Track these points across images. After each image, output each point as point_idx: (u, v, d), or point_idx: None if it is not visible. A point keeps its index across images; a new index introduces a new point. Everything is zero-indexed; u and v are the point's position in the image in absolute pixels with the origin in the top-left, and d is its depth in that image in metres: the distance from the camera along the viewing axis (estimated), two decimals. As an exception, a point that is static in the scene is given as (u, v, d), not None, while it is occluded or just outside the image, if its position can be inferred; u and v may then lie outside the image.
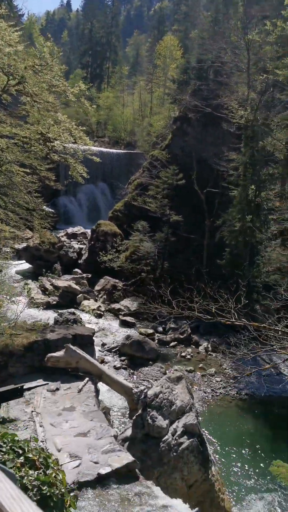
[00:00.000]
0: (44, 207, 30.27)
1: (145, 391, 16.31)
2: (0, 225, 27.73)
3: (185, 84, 40.54)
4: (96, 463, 11.50)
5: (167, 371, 25.58)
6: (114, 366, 25.53)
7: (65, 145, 19.90)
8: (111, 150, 64.49)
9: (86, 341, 16.68)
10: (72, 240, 45.76)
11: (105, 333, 29.65)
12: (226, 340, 29.31)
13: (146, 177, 41.40)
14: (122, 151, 66.02)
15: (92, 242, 39.42)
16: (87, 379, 15.43)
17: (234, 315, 8.36)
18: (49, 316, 28.07)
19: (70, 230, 47.40)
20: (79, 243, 44.81)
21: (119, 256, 37.68)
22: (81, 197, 57.61)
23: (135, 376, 24.78)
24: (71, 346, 15.63)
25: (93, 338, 17.07)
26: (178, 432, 15.77)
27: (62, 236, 45.24)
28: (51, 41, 20.22)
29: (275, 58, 30.95)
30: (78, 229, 48.29)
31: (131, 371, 25.46)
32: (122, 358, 26.44)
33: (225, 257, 31.07)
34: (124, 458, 11.77)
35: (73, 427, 12.76)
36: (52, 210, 46.83)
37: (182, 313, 9.75)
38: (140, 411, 15.96)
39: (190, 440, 15.60)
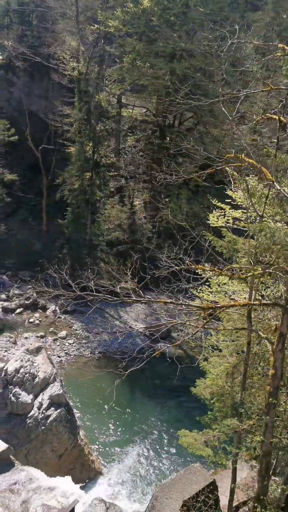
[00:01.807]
0: None
1: (4, 368, 15.26)
2: None
3: (7, 28, 36.97)
4: None
5: (16, 340, 24.54)
6: None
7: None
8: None
9: None
10: None
11: None
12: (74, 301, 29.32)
13: None
14: None
15: None
16: None
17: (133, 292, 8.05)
18: None
19: None
20: None
21: None
22: None
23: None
24: None
25: None
26: (45, 405, 15.24)
27: None
28: None
29: (105, 8, 29.97)
30: None
31: (-23, 345, 23.68)
32: None
33: (67, 216, 30.31)
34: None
35: None
36: None
37: (82, 296, 8.98)
38: (0, 390, 14.93)
39: (58, 410, 15.23)
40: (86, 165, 29.95)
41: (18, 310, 27.82)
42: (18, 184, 33.58)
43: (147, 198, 34.49)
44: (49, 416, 14.94)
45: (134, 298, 8.54)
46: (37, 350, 16.79)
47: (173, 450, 17.59)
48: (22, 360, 15.91)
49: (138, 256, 17.88)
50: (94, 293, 8.96)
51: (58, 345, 24.56)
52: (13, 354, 23.12)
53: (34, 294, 29.05)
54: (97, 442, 17.97)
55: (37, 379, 15.61)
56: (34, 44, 35.01)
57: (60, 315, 27.99)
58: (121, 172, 35.43)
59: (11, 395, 14.80)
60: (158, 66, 28.61)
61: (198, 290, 10.91)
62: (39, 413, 14.89)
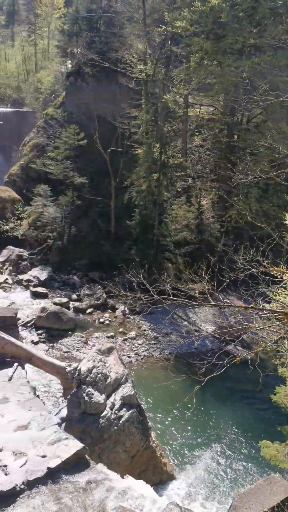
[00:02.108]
0: None
1: (78, 367, 15.57)
2: None
3: (76, 36, 37.99)
4: (43, 456, 10.63)
5: (88, 340, 25.05)
6: (32, 341, 24.29)
7: None
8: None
9: (8, 324, 15.31)
10: None
11: (16, 307, 27.99)
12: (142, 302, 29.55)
13: (42, 137, 38.90)
14: (9, 109, 61.37)
15: (-10, 210, 36.56)
16: (16, 364, 14.23)
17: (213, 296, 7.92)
18: None
19: None
20: (-27, 212, 41.45)
21: (21, 224, 35.54)
22: None
23: (55, 350, 23.83)
24: (-6, 331, 14.25)
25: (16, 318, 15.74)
26: (117, 406, 15.38)
27: None
28: None
29: (172, 9, 29.94)
30: None
31: (51, 344, 24.45)
32: (39, 331, 25.25)
33: (135, 217, 30.61)
34: (72, 446, 11.04)
35: (10, 420, 11.66)
36: None
37: (160, 300, 8.98)
38: (75, 389, 15.25)
39: (130, 411, 15.31)
40: (153, 166, 30.09)
41: (88, 310, 28.42)
42: (87, 187, 34.37)
43: (214, 198, 34.06)
44: (121, 416, 15.05)
45: (213, 303, 8.36)
46: (109, 351, 16.98)
47: (248, 457, 17.14)
48: (94, 360, 16.14)
49: (210, 257, 17.56)
50: (172, 297, 8.87)
51: (128, 346, 24.79)
52: (85, 353, 23.67)
53: (104, 295, 29.55)
54: (168, 445, 17.91)
55: (109, 380, 15.79)
56: (102, 50, 35.75)
57: (129, 316, 28.28)
58: (188, 172, 35.25)
59: (85, 394, 15.05)
60: (226, 64, 28.11)
61: (275, 293, 10.53)
62: (111, 413, 15.05)
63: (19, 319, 20.48)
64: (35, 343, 24.13)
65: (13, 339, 14.54)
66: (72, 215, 33.92)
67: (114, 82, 37.34)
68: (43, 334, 25.07)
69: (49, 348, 23.92)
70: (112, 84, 37.90)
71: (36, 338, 24.60)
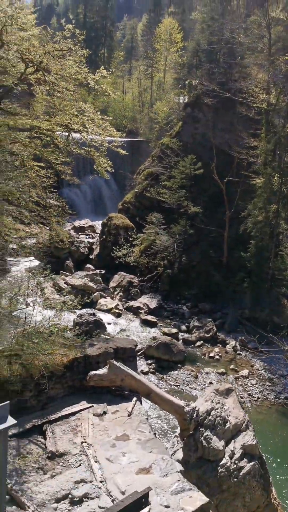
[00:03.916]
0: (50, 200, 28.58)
1: (196, 408, 14.81)
2: (13, 223, 26.01)
3: (196, 68, 38.47)
4: (167, 507, 10.02)
5: (198, 375, 24.25)
6: (142, 370, 24.04)
7: (93, 136, 18.10)
8: (113, 138, 62.05)
9: (128, 355, 15.12)
10: (80, 233, 44.06)
11: (126, 334, 28.12)
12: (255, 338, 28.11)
13: (156, 166, 39.54)
14: (125, 139, 63.84)
15: (104, 236, 37.70)
16: (135, 399, 13.90)
17: None
18: (67, 317, 26.52)
19: (77, 223, 45.63)
20: (88, 237, 43.13)
21: (133, 251, 36.07)
22: (85, 188, 55.59)
23: (165, 382, 23.34)
24: (115, 362, 14.05)
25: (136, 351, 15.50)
26: (237, 455, 14.32)
27: (69, 230, 43.44)
28: (73, 24, 18.25)
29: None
30: (86, 222, 46.57)
31: (160, 375, 24.04)
32: (149, 361, 25.01)
33: (250, 249, 29.50)
34: (197, 499, 10.30)
35: (132, 461, 11.23)
36: (57, 203, 44.90)
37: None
38: (192, 431, 14.50)
39: (251, 463, 14.15)
40: (273, 198, 28.92)
41: (198, 343, 27.68)
42: (200, 216, 34.03)
43: None
44: (242, 468, 13.96)
45: None
46: (227, 392, 16.04)
47: None
48: (212, 401, 15.29)
49: None
50: None
51: (240, 385, 23.55)
52: (195, 389, 22.92)
53: (214, 328, 28.65)
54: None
55: (228, 424, 14.82)
56: (221, 80, 35.73)
57: (240, 352, 27.02)
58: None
59: (202, 438, 14.23)
60: None
61: None
62: (231, 462, 14.02)
63: (138, 351, 20.36)
64: (145, 373, 23.86)
65: (132, 372, 14.24)
66: (184, 243, 33.69)
67: (232, 112, 36.99)
68: (153, 364, 24.77)
69: (159, 379, 23.51)
70: (229, 114, 37.59)
71: (146, 368, 24.35)
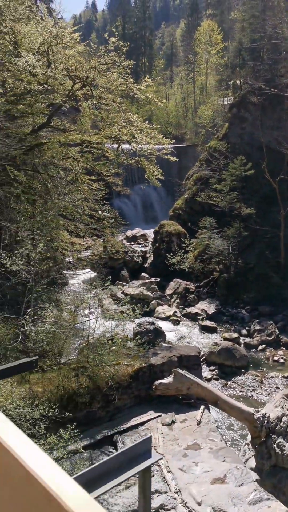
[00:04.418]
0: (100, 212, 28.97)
1: (267, 415, 14.40)
2: (69, 237, 26.54)
3: (239, 68, 37.98)
4: (245, 518, 9.76)
5: (263, 379, 23.62)
6: (205, 377, 23.66)
7: (142, 146, 18.20)
8: (162, 146, 62.41)
9: (192, 362, 14.98)
10: (133, 243, 44.39)
11: (186, 340, 27.90)
12: None
13: (205, 170, 39.25)
14: (171, 145, 63.99)
15: (157, 244, 37.76)
16: (202, 407, 13.72)
17: None
18: (127, 327, 26.68)
19: (129, 233, 45.99)
20: (141, 246, 43.38)
21: (187, 257, 35.86)
22: (134, 197, 56.04)
23: (229, 388, 22.88)
24: (180, 371, 13.96)
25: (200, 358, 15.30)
26: (313, 462, 13.79)
27: (122, 240, 43.87)
28: (116, 36, 18.55)
29: None
30: (137, 231, 46.86)
31: (224, 381, 23.57)
32: (211, 368, 24.57)
33: (309, 248, 28.59)
34: (277, 508, 9.96)
35: (205, 471, 11.05)
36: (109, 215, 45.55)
37: None
38: (263, 439, 14.09)
39: None
40: None
41: (260, 347, 26.98)
42: (254, 217, 33.35)
43: None
44: None
45: None
46: (297, 397, 15.50)
47: None
48: (282, 407, 14.81)
49: None
50: None
51: (308, 388, 22.66)
52: (261, 394, 22.35)
53: (276, 330, 27.86)
54: None
55: (301, 430, 14.30)
56: (267, 77, 35.06)
57: (306, 355, 26.09)
58: None
59: (275, 445, 13.79)
60: None
61: None
62: (307, 470, 13.50)
63: (202, 357, 20.11)
64: (208, 380, 23.49)
65: (198, 380, 14.10)
66: (239, 246, 33.11)
67: (280, 108, 36.17)
68: (216, 370, 24.34)
69: (223, 386, 23.05)
70: (277, 111, 36.79)
71: (208, 375, 23.96)
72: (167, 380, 13.93)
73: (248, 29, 38.44)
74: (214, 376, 23.97)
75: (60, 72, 18.29)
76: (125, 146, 19.74)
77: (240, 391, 22.60)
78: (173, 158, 19.86)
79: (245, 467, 11.65)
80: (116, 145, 19.18)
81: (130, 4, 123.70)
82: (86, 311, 19.40)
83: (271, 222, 33.55)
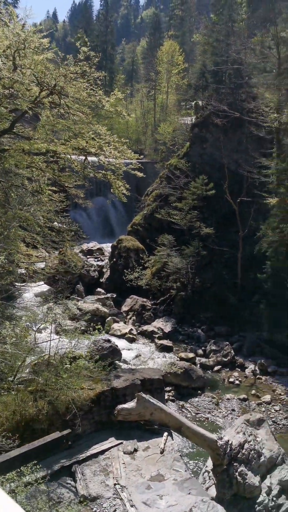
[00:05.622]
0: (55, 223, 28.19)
1: (229, 442, 14.04)
2: (26, 249, 25.55)
3: (202, 89, 38.51)
4: None
5: (219, 402, 23.41)
6: (161, 398, 23.19)
7: (111, 160, 17.72)
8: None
9: (156, 386, 14.47)
10: (89, 257, 43.56)
11: (142, 359, 27.34)
12: (274, 362, 27.29)
13: (165, 187, 39.24)
14: (129, 160, 63.92)
15: (114, 259, 37.16)
16: (166, 434, 13.17)
17: None
18: (80, 345, 25.79)
19: (85, 246, 45.16)
20: (97, 260, 42.64)
21: (145, 273, 35.48)
22: (91, 210, 55.26)
23: (185, 410, 22.47)
24: (144, 395, 13.38)
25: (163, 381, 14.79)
26: (274, 492, 13.49)
27: (78, 253, 42.93)
28: (87, 46, 18.12)
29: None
30: (93, 245, 46.12)
31: (180, 403, 23.17)
32: (167, 388, 24.03)
33: (266, 270, 28.89)
34: None
35: (171, 505, 10.47)
36: (69, 228, 44.56)
37: None
38: (225, 466, 13.69)
39: (291, 500, 13.37)
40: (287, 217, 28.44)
41: (216, 368, 26.86)
42: (213, 237, 33.52)
43: None
44: (280, 505, 13.13)
45: None
46: (259, 422, 15.28)
47: None
48: (244, 433, 14.51)
49: None
50: None
51: (263, 411, 22.63)
52: (217, 416, 22.10)
53: (232, 352, 27.86)
54: None
55: (262, 458, 14.02)
56: (229, 101, 35.69)
57: (260, 376, 26.17)
58: None
59: (237, 474, 13.43)
60: None
61: None
62: (269, 500, 13.20)
63: (164, 381, 19.55)
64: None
65: (162, 405, 13.56)
66: (197, 265, 33.10)
67: (240, 131, 36.85)
68: (172, 391, 23.90)
69: (179, 407, 22.62)
70: (237, 134, 37.46)
71: (165, 396, 23.47)
72: (130, 404, 13.31)
73: (209, 52, 39.14)
74: (171, 398, 23.50)
75: (28, 78, 17.62)
76: (92, 158, 19.18)
77: (196, 413, 22.26)
78: (140, 174, 19.47)
79: (212, 499, 11.16)
80: (83, 157, 18.58)
81: (92, 17, 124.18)
82: (42, 328, 18.50)
83: (229, 243, 33.81)
